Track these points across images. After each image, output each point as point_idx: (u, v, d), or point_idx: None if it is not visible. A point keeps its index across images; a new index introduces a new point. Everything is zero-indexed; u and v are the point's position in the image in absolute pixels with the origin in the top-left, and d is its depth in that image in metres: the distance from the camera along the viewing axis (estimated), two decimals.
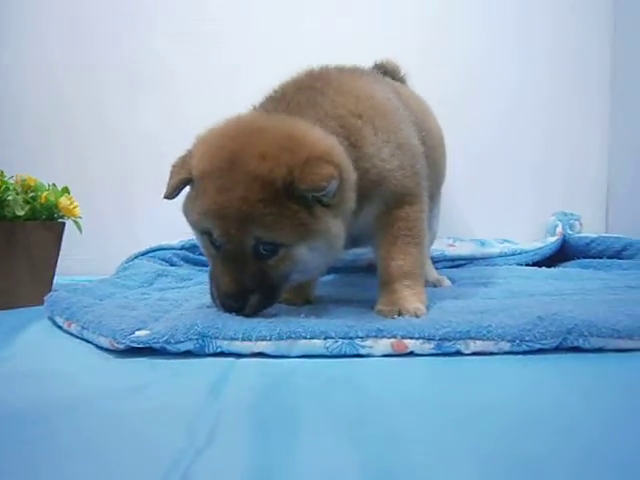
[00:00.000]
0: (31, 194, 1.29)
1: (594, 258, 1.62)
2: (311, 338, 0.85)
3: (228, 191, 0.86)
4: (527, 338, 0.85)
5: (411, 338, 0.85)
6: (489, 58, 1.88)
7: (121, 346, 0.86)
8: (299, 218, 0.88)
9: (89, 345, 0.94)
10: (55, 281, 1.39)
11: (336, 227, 0.93)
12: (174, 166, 0.96)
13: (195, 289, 1.30)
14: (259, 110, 1.02)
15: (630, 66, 1.82)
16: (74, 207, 1.33)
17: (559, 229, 1.71)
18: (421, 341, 0.85)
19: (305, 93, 1.02)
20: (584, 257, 1.64)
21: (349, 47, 1.79)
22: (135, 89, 1.84)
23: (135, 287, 1.26)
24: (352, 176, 0.95)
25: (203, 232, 0.94)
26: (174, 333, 0.85)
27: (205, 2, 1.85)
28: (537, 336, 0.85)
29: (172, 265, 1.49)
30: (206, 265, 1.54)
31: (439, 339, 0.85)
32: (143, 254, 1.48)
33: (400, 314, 0.97)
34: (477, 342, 0.85)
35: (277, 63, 1.74)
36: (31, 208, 1.27)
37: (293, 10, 1.87)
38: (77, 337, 0.98)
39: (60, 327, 1.04)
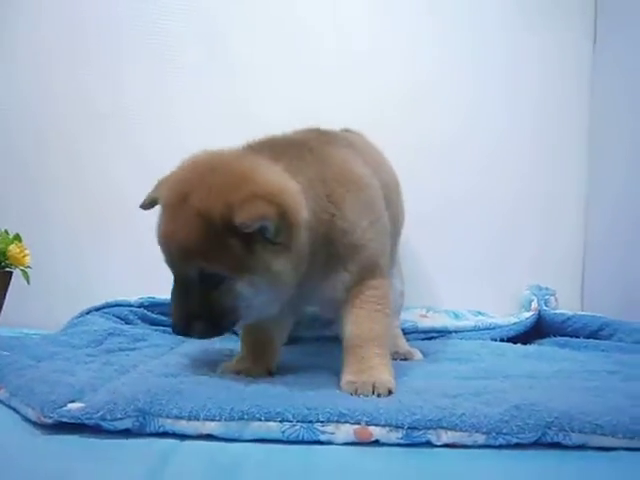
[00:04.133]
0: None
1: (570, 336, 1.56)
2: (266, 420, 0.77)
3: (174, 224, 0.91)
4: (504, 431, 0.77)
5: (376, 425, 0.77)
6: (465, 133, 1.88)
7: (49, 420, 0.76)
8: (235, 253, 0.90)
9: (17, 415, 0.83)
10: None
11: (279, 265, 0.93)
12: (159, 182, 1.01)
13: (148, 352, 1.20)
14: (241, 148, 1.05)
15: (607, 139, 1.85)
16: (24, 256, 1.24)
17: (534, 304, 1.65)
18: (387, 429, 0.77)
19: (296, 147, 1.05)
20: (560, 335, 1.59)
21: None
22: (100, 129, 1.78)
23: (81, 347, 1.15)
24: (304, 217, 0.94)
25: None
26: (112, 408, 0.75)
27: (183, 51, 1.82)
28: (515, 429, 0.77)
29: (127, 323, 1.39)
30: (164, 325, 1.47)
31: (408, 427, 0.77)
32: (97, 309, 1.38)
33: (375, 389, 0.91)
34: (449, 432, 0.77)
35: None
36: None
37: (288, 51, 1.85)
38: (5, 404, 0.87)
39: None
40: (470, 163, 1.87)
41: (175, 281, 0.94)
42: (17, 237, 1.26)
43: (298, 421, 0.77)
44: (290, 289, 0.97)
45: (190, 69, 1.81)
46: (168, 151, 1.71)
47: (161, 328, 1.43)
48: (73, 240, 1.71)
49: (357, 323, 1.01)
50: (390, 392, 0.91)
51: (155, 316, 1.45)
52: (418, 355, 1.36)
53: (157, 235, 0.94)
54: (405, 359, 1.34)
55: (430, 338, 1.60)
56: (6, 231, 1.28)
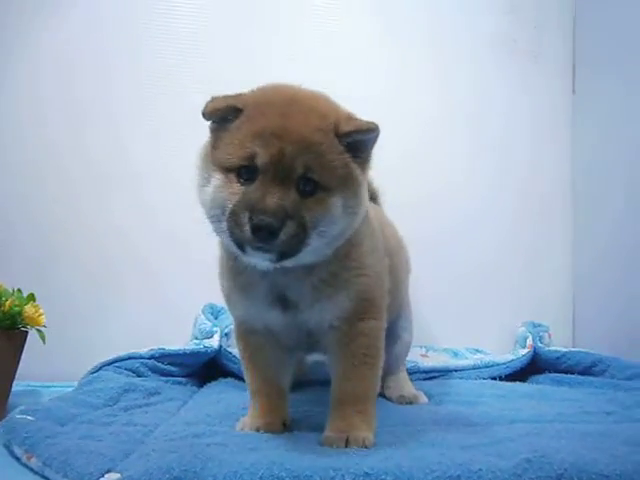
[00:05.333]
0: None
1: (564, 372, 1.63)
2: None
3: (288, 116, 0.90)
4: None
5: None
6: (468, 179, 1.98)
7: None
8: (343, 160, 0.92)
9: None
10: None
11: (365, 187, 0.97)
12: (214, 98, 0.95)
13: (164, 407, 1.23)
14: None
15: (590, 181, 1.95)
16: (39, 315, 1.27)
17: (529, 342, 1.72)
18: None
19: None
20: (554, 370, 1.65)
21: None
22: (106, 187, 1.83)
23: (100, 406, 1.17)
24: None
25: (231, 168, 0.91)
26: (148, 478, 0.79)
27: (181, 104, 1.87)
28: None
29: (139, 376, 1.42)
30: (174, 376, 1.50)
31: None
32: (109, 363, 1.41)
33: (348, 443, 0.96)
34: None
35: None
36: None
37: None
38: (37, 473, 0.89)
39: (18, 458, 0.95)
40: (463, 206, 1.95)
41: (269, 177, 0.88)
42: (31, 297, 1.29)
43: None
44: (358, 222, 0.97)
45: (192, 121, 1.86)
46: (171, 202, 1.79)
47: (171, 379, 1.46)
48: (81, 295, 1.75)
49: (343, 379, 1.04)
50: (366, 447, 0.95)
51: (165, 367, 1.48)
52: (423, 399, 1.41)
53: (254, 128, 0.89)
54: (411, 403, 1.39)
55: (431, 378, 1.65)
56: (19, 290, 1.30)
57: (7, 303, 1.22)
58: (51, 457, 0.87)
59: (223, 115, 0.94)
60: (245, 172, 0.90)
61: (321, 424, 1.11)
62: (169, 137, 1.84)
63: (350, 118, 0.95)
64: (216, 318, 1.68)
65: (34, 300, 1.29)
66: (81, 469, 0.81)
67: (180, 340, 1.58)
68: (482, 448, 0.94)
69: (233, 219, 0.88)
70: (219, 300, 1.69)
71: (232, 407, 1.22)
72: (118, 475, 0.80)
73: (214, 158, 0.94)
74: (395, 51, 1.97)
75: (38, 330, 1.28)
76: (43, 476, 0.88)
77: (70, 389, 1.42)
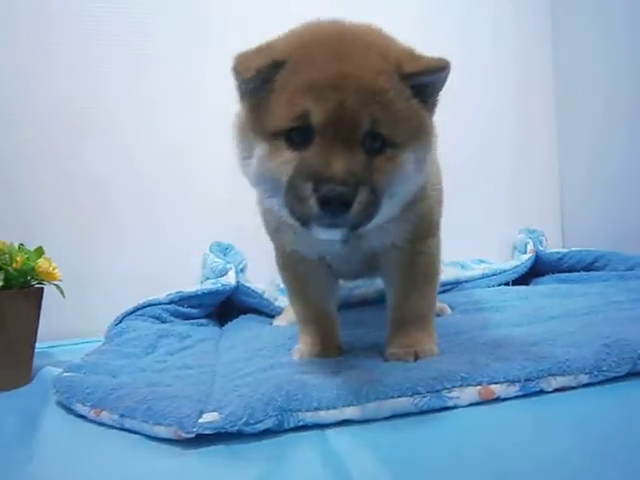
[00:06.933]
0: (2, 259, 1.11)
1: (567, 272, 1.70)
2: (399, 397, 0.80)
3: (343, 59, 0.75)
4: (604, 368, 0.85)
5: (497, 383, 0.83)
6: (464, 94, 1.93)
7: (190, 435, 0.74)
8: (413, 107, 0.79)
9: (128, 436, 0.80)
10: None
11: (435, 137, 0.85)
12: (242, 55, 0.79)
13: (202, 349, 1.18)
14: None
15: (572, 87, 1.99)
16: (54, 269, 1.16)
17: (530, 247, 1.77)
18: (506, 384, 0.83)
19: None
20: (557, 271, 1.72)
21: None
22: (82, 131, 1.67)
23: (141, 355, 1.11)
24: None
25: (278, 133, 0.77)
26: (252, 412, 0.75)
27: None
28: (612, 365, 0.86)
29: (163, 322, 1.35)
30: (195, 318, 1.44)
31: (524, 380, 0.83)
32: (131, 312, 1.33)
33: (417, 357, 0.95)
34: (558, 378, 0.84)
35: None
36: (5, 275, 1.09)
37: None
38: (111, 427, 0.83)
39: (81, 416, 0.88)
40: (469, 135, 1.94)
41: (330, 138, 0.74)
42: (40, 250, 1.17)
43: (428, 392, 0.80)
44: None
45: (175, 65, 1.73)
46: (150, 148, 1.67)
47: (194, 321, 1.41)
48: (86, 244, 1.62)
49: (404, 298, 1.01)
50: (432, 357, 0.95)
51: (185, 310, 1.42)
52: (448, 310, 1.44)
53: (303, 80, 0.75)
54: (438, 315, 1.40)
55: (444, 291, 1.67)
56: (21, 244, 1.18)
57: (18, 259, 1.10)
58: (129, 408, 0.81)
59: (266, 77, 0.78)
60: (297, 135, 0.76)
61: (372, 344, 1.11)
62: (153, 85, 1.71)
63: (414, 56, 0.80)
64: (225, 255, 1.61)
65: (43, 254, 1.17)
66: (174, 413, 0.76)
67: (190, 281, 1.51)
68: (551, 342, 0.96)
69: (293, 193, 0.75)
70: (224, 238, 1.65)
71: (277, 339, 1.18)
72: (215, 414, 0.76)
73: (255, 125, 0.80)
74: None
75: (56, 286, 1.17)
76: (122, 428, 0.82)
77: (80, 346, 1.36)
